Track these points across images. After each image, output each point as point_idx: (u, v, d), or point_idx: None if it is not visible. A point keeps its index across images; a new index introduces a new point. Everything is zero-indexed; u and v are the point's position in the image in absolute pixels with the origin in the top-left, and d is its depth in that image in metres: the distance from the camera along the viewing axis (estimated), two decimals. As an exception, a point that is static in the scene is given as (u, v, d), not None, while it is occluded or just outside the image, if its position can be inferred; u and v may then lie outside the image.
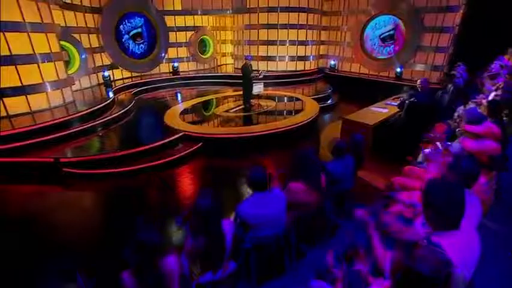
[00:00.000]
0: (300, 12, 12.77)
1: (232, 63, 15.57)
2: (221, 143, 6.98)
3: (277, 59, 13.50)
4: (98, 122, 7.52)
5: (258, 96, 9.68)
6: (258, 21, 12.95)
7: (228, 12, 13.39)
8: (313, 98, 10.49)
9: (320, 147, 6.15)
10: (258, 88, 8.83)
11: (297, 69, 13.77)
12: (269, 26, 12.92)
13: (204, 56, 14.32)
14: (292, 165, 2.70)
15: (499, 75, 7.13)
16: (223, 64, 15.93)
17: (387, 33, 12.31)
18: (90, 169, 5.64)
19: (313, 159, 2.72)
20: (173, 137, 6.76)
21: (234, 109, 9.06)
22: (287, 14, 12.68)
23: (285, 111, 9.38)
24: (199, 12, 13.33)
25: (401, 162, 4.08)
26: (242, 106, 9.17)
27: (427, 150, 3.59)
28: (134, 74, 12.51)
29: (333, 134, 6.27)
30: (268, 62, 13.49)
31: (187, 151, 6.51)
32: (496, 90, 5.40)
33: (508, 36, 10.11)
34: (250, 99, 9.20)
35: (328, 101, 10.80)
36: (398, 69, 12.16)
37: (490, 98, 5.18)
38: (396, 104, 5.68)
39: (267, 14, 12.71)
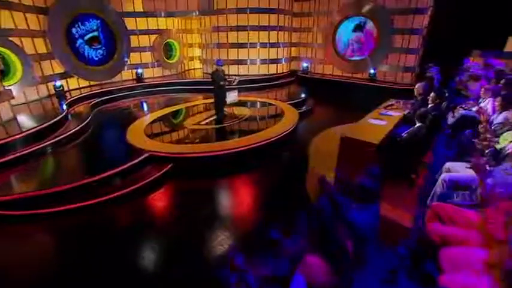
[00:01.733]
0: (270, 13, 12.01)
1: (200, 68, 14.47)
2: (193, 164, 5.98)
3: (248, 63, 12.64)
4: (45, 144, 6.19)
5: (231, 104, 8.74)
6: (227, 23, 12.00)
7: (194, 14, 12.29)
8: (289, 104, 9.75)
9: (310, 166, 5.39)
10: (232, 96, 7.88)
11: (269, 72, 13.01)
12: (239, 28, 12.03)
13: (170, 61, 13.09)
14: (308, 227, 1.84)
15: (482, 76, 6.82)
16: (191, 69, 14.76)
17: (357, 34, 11.89)
18: (31, 209, 4.41)
19: (335, 213, 1.88)
20: (136, 160, 5.64)
21: (206, 120, 8.04)
22: (257, 15, 11.87)
23: (262, 121, 8.53)
24: (163, 14, 12.11)
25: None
26: (215, 116, 8.19)
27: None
28: (93, 83, 11.02)
29: (324, 148, 5.55)
30: (239, 66, 12.59)
31: (153, 177, 5.43)
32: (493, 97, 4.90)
33: (473, 37, 10.09)
34: (224, 108, 8.25)
35: (304, 107, 10.04)
36: (371, 71, 11.79)
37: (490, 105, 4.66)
38: (406, 113, 5.04)
39: (236, 15, 11.81)
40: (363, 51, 12.06)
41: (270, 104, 9.82)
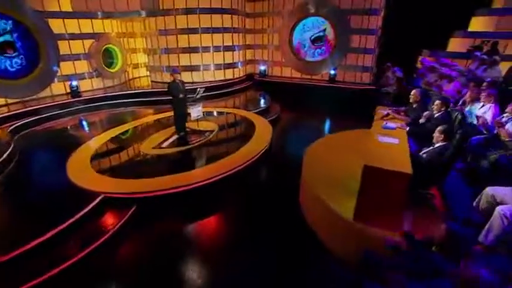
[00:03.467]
0: (223, 13, 10.82)
1: (147, 75, 12.62)
2: (159, 202, 4.61)
3: (202, 68, 11.29)
4: None
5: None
6: (176, 25, 10.49)
7: (138, 14, 10.51)
8: (255, 113, 8.74)
9: (302, 179, 4.47)
10: (196, 112, 6.54)
11: (226, 78, 11.82)
12: (190, 31, 10.61)
13: (111, 70, 11.07)
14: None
15: (454, 77, 6.59)
16: (137, 77, 12.82)
17: (317, 35, 11.37)
18: None
19: None
20: (87, 208, 4.09)
21: (167, 142, 6.57)
22: (209, 15, 10.60)
23: (232, 136, 7.36)
24: (99, 15, 10.09)
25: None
26: (176, 135, 6.78)
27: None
28: (11, 101, 8.64)
29: (318, 159, 4.60)
30: (193, 72, 11.18)
31: (116, 227, 3.96)
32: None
33: (423, 37, 10.26)
34: (185, 125, 6.89)
35: (271, 115, 9.06)
36: (332, 72, 11.37)
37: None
38: (408, 127, 4.33)
39: (185, 16, 10.38)
40: (321, 51, 11.57)
41: (237, 115, 8.67)
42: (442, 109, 4.27)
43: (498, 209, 2.78)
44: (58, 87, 9.74)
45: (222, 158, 5.62)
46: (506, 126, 3.77)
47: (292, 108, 10.30)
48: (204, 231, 4.30)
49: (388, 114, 4.86)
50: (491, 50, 8.64)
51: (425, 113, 4.54)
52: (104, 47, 10.55)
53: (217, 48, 11.25)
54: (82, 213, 4.00)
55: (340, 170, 4.54)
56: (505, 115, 4.34)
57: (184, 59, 11.01)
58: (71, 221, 3.83)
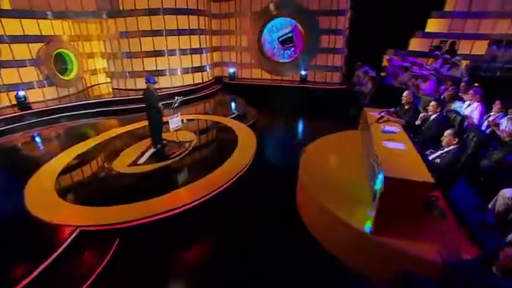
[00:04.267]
0: (189, 14, 10.14)
1: (107, 82, 11.44)
2: (147, 230, 3.98)
3: (168, 73, 10.49)
4: None
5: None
6: (138, 27, 9.58)
7: (93, 16, 9.41)
8: (232, 118, 8.30)
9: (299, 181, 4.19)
10: (175, 122, 5.89)
11: (195, 82, 11.15)
12: (154, 33, 9.77)
13: (66, 78, 9.75)
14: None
15: (429, 76, 6.77)
16: (95, 84, 11.51)
17: (285, 36, 11.19)
18: None
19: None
20: (61, 249, 3.35)
21: (144, 157, 5.84)
22: (174, 16, 9.85)
23: (214, 146, 6.83)
24: (49, 15, 8.80)
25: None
26: (152, 149, 6.08)
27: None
28: None
29: (315, 161, 4.32)
30: (159, 77, 10.31)
31: (99, 269, 3.30)
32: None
33: (387, 37, 10.61)
34: (162, 137, 6.23)
35: (248, 120, 8.65)
36: (303, 72, 11.27)
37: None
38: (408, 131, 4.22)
39: (148, 17, 9.52)
40: (291, 52, 11.42)
41: (214, 122, 8.12)
42: (438, 110, 4.23)
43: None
44: (2, 98, 8.31)
45: (210, 173, 5.09)
46: (505, 126, 3.80)
47: (266, 110, 9.98)
48: (199, 258, 3.78)
49: (382, 117, 4.74)
50: (449, 49, 9.21)
51: (421, 115, 4.49)
52: (56, 52, 9.25)
53: (184, 51, 10.53)
54: (52, 257, 3.25)
55: (340, 175, 4.38)
56: (491, 113, 4.45)
57: (150, 63, 10.13)
58: (36, 272, 3.06)
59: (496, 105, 4.26)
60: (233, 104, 10.24)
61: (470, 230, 3.03)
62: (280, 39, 11.31)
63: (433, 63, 8.57)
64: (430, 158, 3.57)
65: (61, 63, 9.62)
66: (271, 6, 10.82)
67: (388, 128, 4.32)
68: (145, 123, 7.49)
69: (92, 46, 11.05)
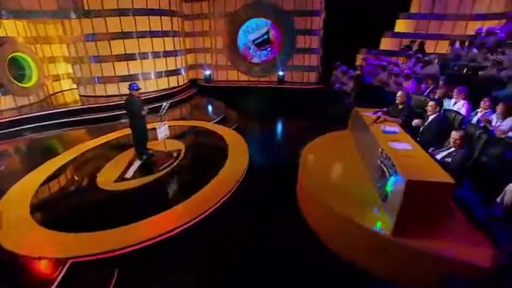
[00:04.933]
0: (161, 15, 9.56)
1: (73, 89, 10.42)
2: (149, 257, 3.57)
3: (142, 77, 9.81)
4: None
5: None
6: (107, 29, 8.82)
7: (53, 16, 8.47)
8: (215, 123, 7.98)
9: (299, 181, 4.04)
10: (163, 131, 5.41)
11: (170, 86, 10.58)
12: (124, 35, 9.06)
13: (24, 85, 8.67)
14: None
15: (411, 75, 7.01)
16: (59, 92, 10.40)
17: (262, 38, 11.04)
18: None
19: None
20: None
21: (130, 171, 5.28)
22: (146, 17, 9.24)
23: (205, 154, 6.42)
24: (2, 15, 7.72)
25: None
26: (138, 160, 5.57)
27: None
28: None
29: (313, 161, 4.20)
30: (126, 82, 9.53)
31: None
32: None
33: (360, 37, 10.92)
34: (147, 148, 5.74)
35: (231, 124, 8.35)
36: (280, 73, 11.20)
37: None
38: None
39: (118, 18, 8.80)
40: (268, 53, 11.29)
41: (198, 127, 7.72)
42: (437, 110, 4.31)
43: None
44: None
45: (208, 182, 4.75)
46: (497, 124, 3.96)
47: (248, 114, 9.73)
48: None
49: (379, 118, 4.74)
50: (419, 48, 9.69)
51: (416, 121, 4.57)
52: (10, 56, 8.18)
53: (157, 54, 9.91)
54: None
55: (341, 176, 4.38)
56: (479, 110, 4.65)
57: (121, 68, 9.38)
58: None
59: (485, 102, 4.45)
60: (213, 108, 9.86)
61: (480, 224, 3.11)
62: (256, 42, 11.12)
63: (406, 62, 8.97)
64: (438, 157, 3.61)
65: (17, 68, 8.54)
66: (251, 6, 10.55)
67: (388, 128, 4.32)
68: (124, 132, 6.98)
69: (52, 49, 9.97)
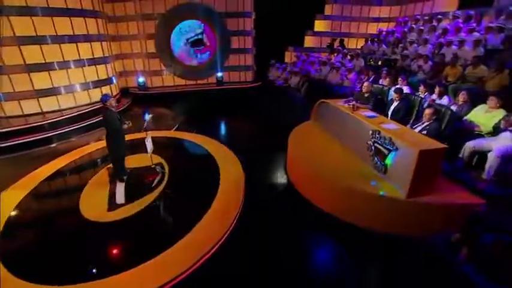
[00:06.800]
0: (84, 16, 8.15)
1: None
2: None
3: (63, 91, 8.13)
4: None
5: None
6: (14, 32, 6.99)
7: None
8: (175, 130, 7.38)
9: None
10: (150, 145, 4.73)
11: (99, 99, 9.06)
12: (35, 40, 7.32)
13: None
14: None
15: (352, 69, 8.02)
16: None
17: (196, 37, 10.62)
18: None
19: None
20: None
21: (118, 197, 4.42)
22: (67, 18, 7.72)
23: (194, 164, 5.86)
24: None
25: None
26: (119, 182, 4.77)
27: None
28: None
29: (301, 142, 4.48)
30: (47, 98, 7.79)
31: None
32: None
33: (286, 36, 11.83)
34: (125, 165, 4.96)
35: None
36: (219, 74, 11.06)
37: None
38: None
39: (30, 18, 7.08)
40: (205, 55, 10.98)
41: (163, 137, 6.95)
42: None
43: (491, 154, 3.78)
44: None
45: (214, 196, 4.39)
46: (438, 102, 5.04)
47: (192, 118, 8.81)
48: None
49: (353, 106, 5.28)
50: (340, 45, 11.14)
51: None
52: None
53: (79, 63, 8.27)
54: None
55: (330, 159, 4.73)
56: (419, 92, 5.78)
57: (39, 80, 7.57)
58: None
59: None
60: (164, 116, 8.97)
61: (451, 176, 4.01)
62: (190, 40, 10.64)
63: (333, 57, 10.18)
64: (416, 131, 4.39)
65: None
66: (184, 7, 9.95)
67: (369, 113, 4.92)
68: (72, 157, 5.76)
69: None
